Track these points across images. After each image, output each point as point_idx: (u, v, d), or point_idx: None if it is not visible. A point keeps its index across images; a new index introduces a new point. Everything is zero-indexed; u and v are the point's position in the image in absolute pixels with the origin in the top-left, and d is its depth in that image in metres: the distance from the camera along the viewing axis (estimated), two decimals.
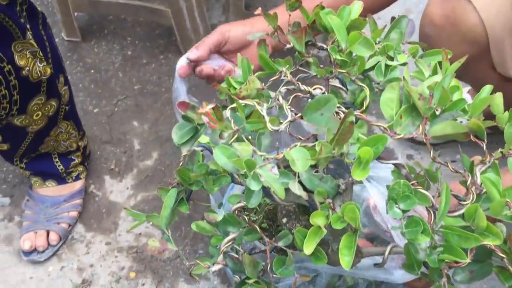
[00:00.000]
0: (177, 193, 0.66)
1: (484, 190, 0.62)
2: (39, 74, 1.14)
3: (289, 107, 0.62)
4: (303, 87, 0.66)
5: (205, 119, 0.56)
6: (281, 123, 0.62)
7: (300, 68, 0.76)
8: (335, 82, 0.72)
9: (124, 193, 1.48)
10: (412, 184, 0.62)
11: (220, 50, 0.97)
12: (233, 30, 0.96)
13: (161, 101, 1.68)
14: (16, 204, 1.48)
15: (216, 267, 0.65)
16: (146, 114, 1.65)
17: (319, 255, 0.62)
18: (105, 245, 1.39)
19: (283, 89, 0.66)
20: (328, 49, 0.64)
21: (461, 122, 0.62)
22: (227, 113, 0.59)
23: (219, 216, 0.67)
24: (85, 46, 1.83)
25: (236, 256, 0.65)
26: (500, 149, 0.64)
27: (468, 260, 0.57)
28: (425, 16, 1.04)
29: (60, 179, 1.44)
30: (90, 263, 1.36)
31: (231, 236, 0.66)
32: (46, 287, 1.33)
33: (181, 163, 0.68)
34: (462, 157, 0.72)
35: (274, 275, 0.66)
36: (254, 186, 0.54)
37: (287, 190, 0.59)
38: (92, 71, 1.77)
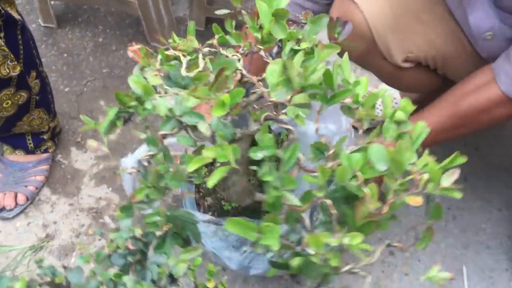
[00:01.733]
0: (118, 112, 0.80)
1: None
2: (8, 71, 1.31)
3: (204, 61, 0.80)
4: (223, 52, 0.82)
5: (130, 54, 0.74)
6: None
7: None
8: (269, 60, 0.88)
9: (88, 162, 1.64)
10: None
11: None
12: None
13: (127, 84, 1.81)
14: None
15: (130, 170, 0.79)
16: (112, 94, 1.80)
17: (200, 173, 0.77)
18: (68, 205, 1.55)
19: (205, 49, 0.82)
20: (249, 27, 0.80)
21: (355, 109, 0.77)
22: (158, 57, 0.76)
23: (142, 134, 0.80)
24: (60, 32, 2.00)
25: (147, 164, 0.79)
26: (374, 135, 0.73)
27: None
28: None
29: (29, 151, 1.60)
30: (54, 220, 1.52)
31: (150, 152, 0.79)
32: (14, 240, 1.49)
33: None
34: None
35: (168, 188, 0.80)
36: (148, 105, 0.71)
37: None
38: (65, 55, 1.93)
